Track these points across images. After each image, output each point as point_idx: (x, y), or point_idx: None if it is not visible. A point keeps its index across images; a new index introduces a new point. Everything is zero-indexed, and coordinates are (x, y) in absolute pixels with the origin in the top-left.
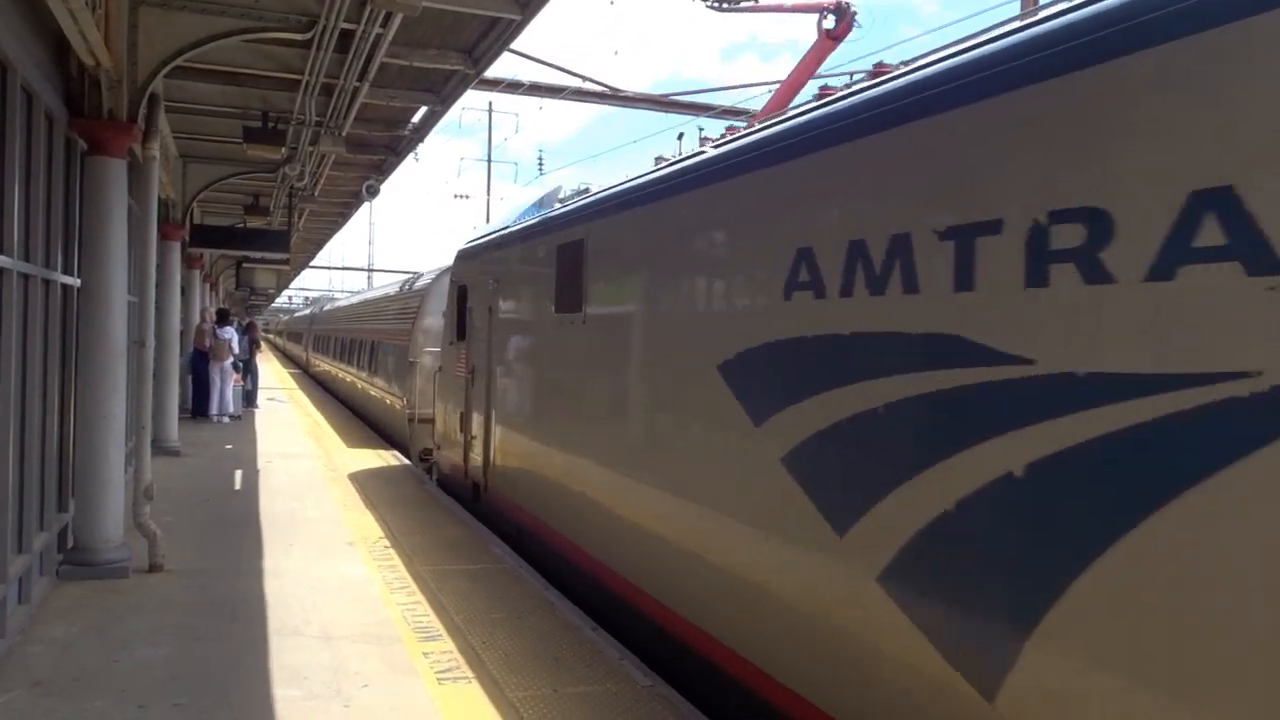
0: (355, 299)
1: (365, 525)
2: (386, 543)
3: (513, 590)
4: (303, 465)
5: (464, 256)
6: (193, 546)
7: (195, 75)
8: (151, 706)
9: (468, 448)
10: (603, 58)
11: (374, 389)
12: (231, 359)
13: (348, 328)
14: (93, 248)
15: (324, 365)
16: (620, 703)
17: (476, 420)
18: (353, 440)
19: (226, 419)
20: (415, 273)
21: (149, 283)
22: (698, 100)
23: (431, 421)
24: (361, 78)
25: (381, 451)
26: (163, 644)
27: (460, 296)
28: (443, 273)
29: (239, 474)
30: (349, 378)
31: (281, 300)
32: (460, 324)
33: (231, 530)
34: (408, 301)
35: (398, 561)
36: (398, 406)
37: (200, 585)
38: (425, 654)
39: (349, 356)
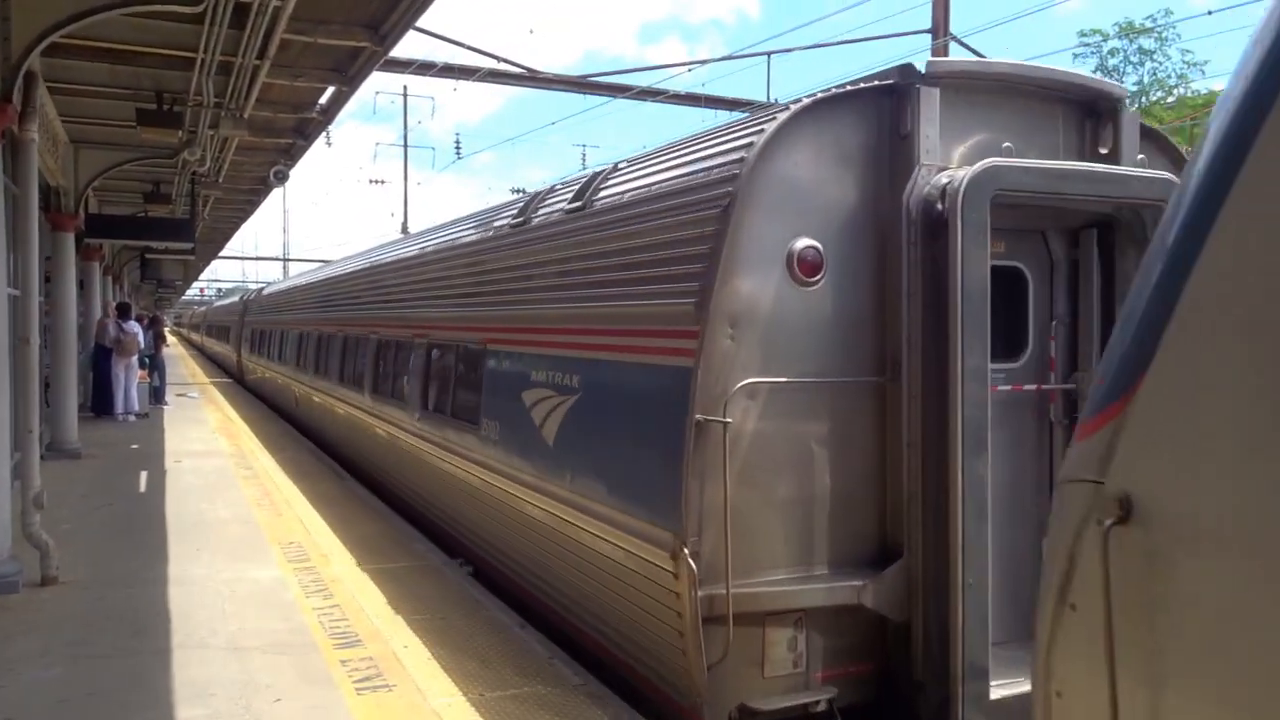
0: (363, 258)
1: (280, 526)
2: (302, 543)
3: (436, 589)
4: (214, 464)
5: None
6: (91, 556)
7: (80, 54)
8: None
9: None
10: (518, 36)
11: (468, 467)
12: (137, 355)
13: (347, 318)
14: None
15: (268, 373)
16: (551, 704)
17: None
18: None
19: (132, 417)
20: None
21: (31, 275)
22: (617, 81)
23: (801, 628)
24: (261, 55)
25: None
26: (54, 664)
27: None
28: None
29: (145, 475)
30: (346, 412)
31: (192, 292)
32: None
33: (135, 536)
34: (680, 215)
35: (314, 562)
36: (628, 557)
37: (98, 597)
38: (343, 662)
39: (348, 375)
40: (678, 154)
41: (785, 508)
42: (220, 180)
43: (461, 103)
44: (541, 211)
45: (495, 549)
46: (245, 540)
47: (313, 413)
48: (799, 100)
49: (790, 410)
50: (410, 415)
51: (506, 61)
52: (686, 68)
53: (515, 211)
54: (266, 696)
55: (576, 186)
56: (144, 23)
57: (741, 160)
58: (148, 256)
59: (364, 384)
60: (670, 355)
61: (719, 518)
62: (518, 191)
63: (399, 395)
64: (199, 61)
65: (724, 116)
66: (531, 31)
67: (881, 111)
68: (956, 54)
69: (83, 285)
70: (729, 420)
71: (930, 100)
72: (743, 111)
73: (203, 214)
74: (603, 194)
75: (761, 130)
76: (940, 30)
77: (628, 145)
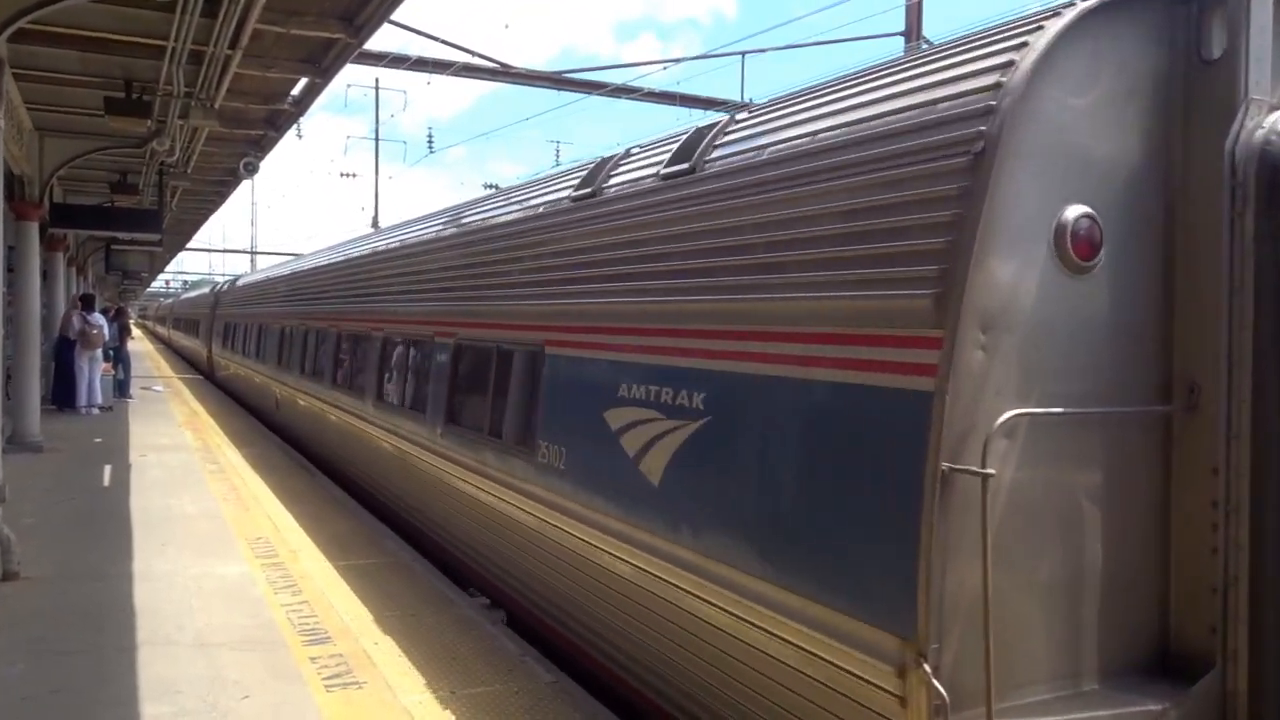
0: (365, 242)
1: (248, 521)
2: (270, 539)
3: (407, 586)
4: (180, 458)
5: None
6: (55, 550)
7: (48, 40)
8: None
9: None
10: (493, 31)
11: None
12: (101, 347)
13: (344, 311)
14: None
15: (243, 370)
16: (522, 702)
17: None
18: None
19: (95, 410)
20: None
21: None
22: (591, 78)
23: None
24: (233, 45)
25: None
26: (16, 661)
27: None
28: None
29: (108, 469)
30: (340, 419)
31: (158, 284)
32: None
33: (99, 530)
34: (890, 170)
35: (282, 558)
36: None
37: (62, 593)
38: (312, 659)
39: (344, 376)
40: (855, 89)
41: (1048, 595)
42: (189, 171)
43: (434, 97)
44: (618, 180)
45: (548, 600)
46: (212, 536)
47: (297, 417)
48: (1069, 3)
49: (1057, 453)
50: (430, 429)
51: (481, 56)
52: (661, 65)
53: (577, 182)
54: (234, 693)
55: (675, 146)
56: (114, 10)
57: (997, 87)
58: (113, 247)
59: (366, 388)
60: (886, 372)
61: (973, 613)
62: (490, 187)
63: (414, 404)
64: (170, 50)
65: (698, 115)
66: (507, 26)
67: (1174, 25)
68: None
69: (46, 276)
70: (991, 471)
71: (1262, 8)
72: (717, 110)
73: (170, 205)
74: (721, 153)
75: (1023, 44)
76: (913, 34)
77: (603, 141)
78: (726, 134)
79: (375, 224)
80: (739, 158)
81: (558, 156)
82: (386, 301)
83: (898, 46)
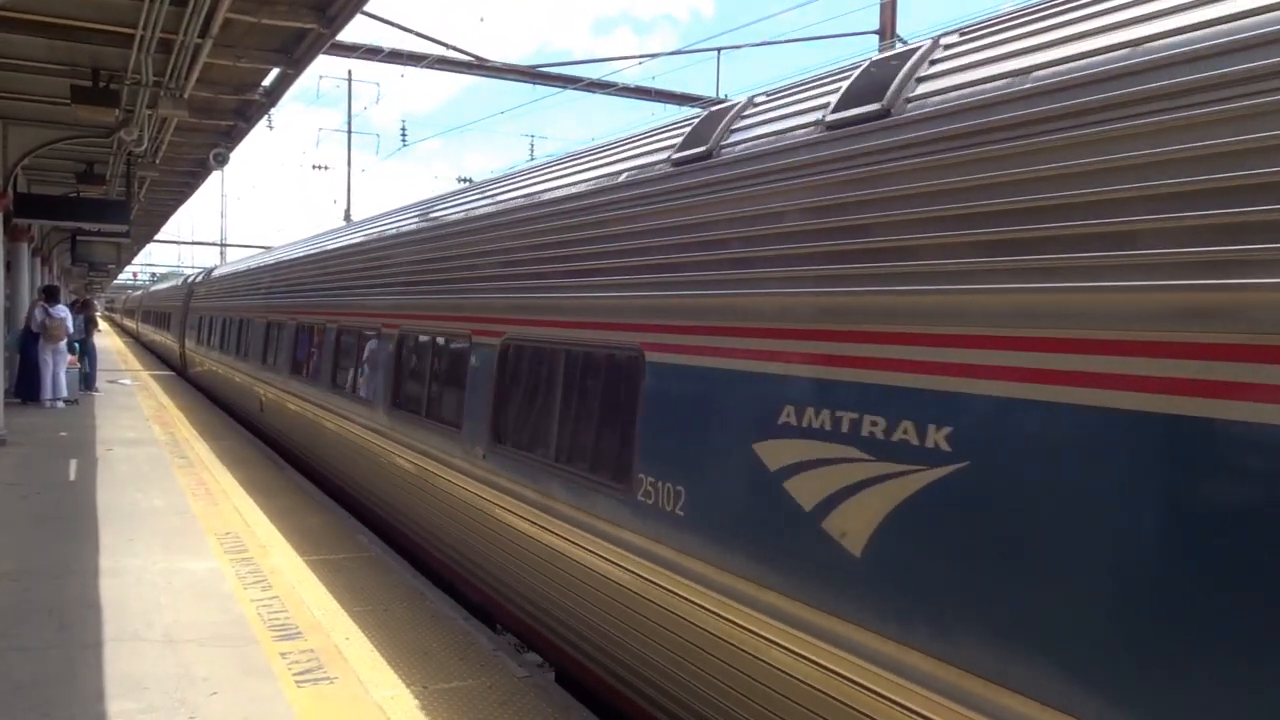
0: (371, 226)
1: (217, 516)
2: (240, 534)
3: (379, 581)
4: (147, 452)
5: None
6: (17, 546)
7: (12, 26)
8: None
9: None
10: (469, 25)
11: None
12: (65, 339)
13: (347, 304)
14: None
15: (220, 368)
16: (495, 696)
17: None
18: None
19: (60, 404)
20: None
21: None
22: (566, 72)
23: None
24: (203, 34)
25: None
26: None
27: None
28: None
29: (74, 463)
30: (340, 428)
31: (125, 276)
32: None
33: (64, 525)
34: None
35: (252, 553)
36: None
37: (25, 589)
38: (283, 654)
39: (347, 380)
40: None
41: None
42: (157, 161)
43: (408, 92)
44: (748, 135)
45: (638, 674)
46: (180, 530)
47: (286, 422)
48: None
49: None
50: (467, 449)
51: (455, 49)
52: (637, 60)
53: (679, 141)
54: (203, 689)
55: (839, 86)
56: None
57: None
58: (79, 238)
59: (377, 395)
60: None
61: None
62: (464, 180)
63: (444, 417)
64: (138, 38)
65: (673, 111)
66: (482, 20)
67: None
68: None
69: (10, 267)
70: None
71: None
72: (692, 106)
73: (138, 196)
74: (932, 87)
75: None
76: (887, 32)
77: (578, 136)
78: (935, 64)
79: (347, 217)
80: (981, 90)
81: (532, 151)
82: (405, 293)
83: (872, 45)
